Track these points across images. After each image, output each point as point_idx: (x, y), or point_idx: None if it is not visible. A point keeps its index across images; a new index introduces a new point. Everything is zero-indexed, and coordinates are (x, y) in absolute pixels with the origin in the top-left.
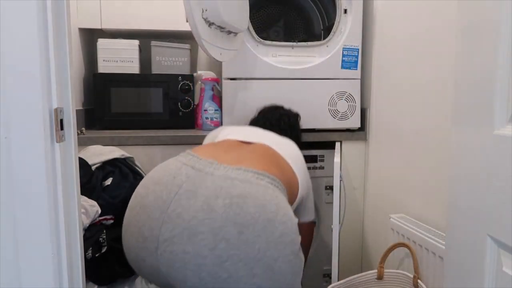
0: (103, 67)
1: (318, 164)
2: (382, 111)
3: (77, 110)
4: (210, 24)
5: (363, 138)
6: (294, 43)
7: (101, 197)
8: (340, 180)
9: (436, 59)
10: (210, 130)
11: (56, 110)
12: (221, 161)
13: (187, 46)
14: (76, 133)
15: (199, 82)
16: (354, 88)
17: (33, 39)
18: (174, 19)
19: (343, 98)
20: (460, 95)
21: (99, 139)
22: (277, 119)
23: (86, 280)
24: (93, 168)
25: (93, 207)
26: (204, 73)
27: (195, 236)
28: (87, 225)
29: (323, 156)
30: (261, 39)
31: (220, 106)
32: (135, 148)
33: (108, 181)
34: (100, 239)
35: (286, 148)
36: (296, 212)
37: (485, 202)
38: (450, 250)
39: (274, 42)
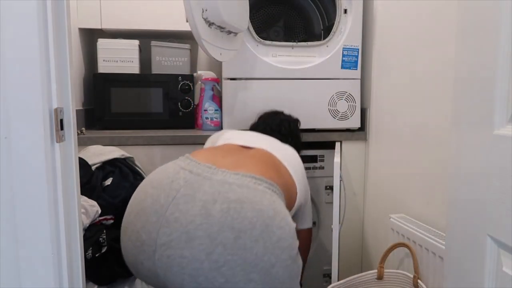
0: (103, 67)
1: (318, 164)
2: (382, 111)
3: (77, 110)
4: (210, 24)
5: (363, 138)
6: (294, 43)
7: (101, 197)
8: (340, 180)
9: (436, 59)
10: (210, 130)
11: (56, 110)
12: (219, 166)
13: (187, 46)
14: (76, 133)
15: (199, 82)
16: (354, 88)
17: (33, 39)
18: (174, 19)
19: (343, 98)
20: (460, 95)
21: (99, 139)
22: (278, 124)
23: (86, 280)
24: (93, 168)
25: (93, 207)
26: (204, 73)
27: (192, 241)
28: (87, 225)
29: (323, 156)
30: (261, 39)
31: (220, 106)
32: (135, 148)
33: (108, 181)
34: (100, 239)
35: (286, 155)
36: (294, 219)
37: (485, 202)
38: (450, 250)
39: (274, 42)
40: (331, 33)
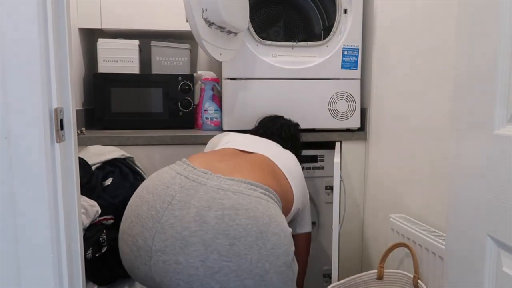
0: (103, 67)
1: (318, 164)
2: (382, 111)
3: (77, 110)
4: (210, 24)
5: (363, 138)
6: (294, 43)
7: (101, 197)
8: (340, 180)
9: (436, 59)
10: (210, 130)
11: (56, 110)
12: (215, 171)
13: (187, 46)
14: (76, 133)
15: (199, 82)
16: (354, 88)
17: (33, 39)
18: (174, 19)
19: (343, 98)
20: (460, 95)
21: (99, 139)
22: (278, 128)
23: (86, 280)
24: (93, 168)
25: (93, 207)
26: (204, 73)
27: (187, 247)
28: (87, 225)
29: (323, 156)
30: (261, 39)
31: (220, 106)
32: (135, 148)
33: (108, 181)
34: (100, 239)
35: (284, 160)
36: (293, 223)
37: (485, 202)
38: (450, 250)
39: (274, 42)
40: (331, 33)
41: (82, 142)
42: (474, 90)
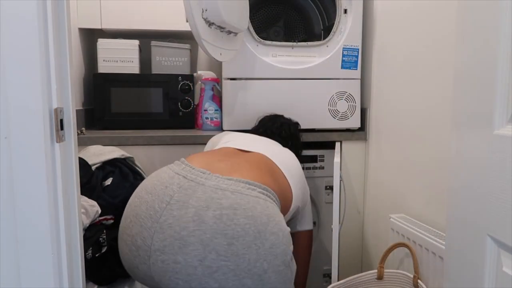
0: (103, 67)
1: (318, 164)
2: (382, 111)
3: (77, 110)
4: (210, 24)
5: (363, 138)
6: (294, 43)
7: (101, 197)
8: (340, 180)
9: (436, 58)
10: (210, 130)
11: (56, 110)
12: (214, 171)
13: (187, 46)
14: (76, 133)
15: (199, 82)
16: (354, 88)
17: (33, 39)
18: (174, 19)
19: (343, 98)
20: (460, 95)
21: (99, 139)
22: (278, 127)
23: (86, 280)
24: (93, 168)
25: (93, 207)
26: (204, 73)
27: (185, 247)
28: (87, 225)
29: (323, 156)
30: (261, 39)
31: (220, 106)
32: (135, 148)
33: (108, 181)
34: (100, 239)
35: (283, 158)
36: (293, 221)
37: (485, 203)
38: (450, 250)
39: (274, 42)
40: (331, 33)
41: (82, 142)
42: (474, 90)
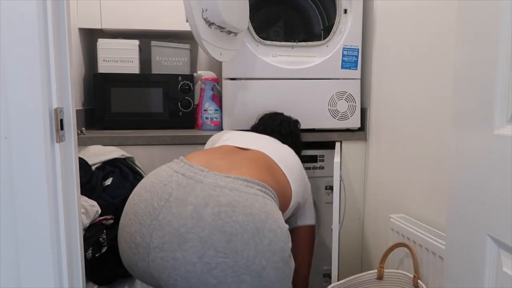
0: (103, 67)
1: (318, 164)
2: (382, 111)
3: (77, 110)
4: (210, 24)
5: (363, 138)
6: (294, 43)
7: (101, 197)
8: (340, 180)
9: (436, 58)
10: (210, 130)
11: (56, 110)
12: (212, 168)
13: (187, 46)
14: (76, 133)
15: (199, 82)
16: (354, 88)
17: (33, 39)
18: (174, 19)
19: (343, 98)
20: (460, 94)
21: (99, 139)
22: (278, 125)
23: (86, 280)
24: (93, 168)
25: (93, 207)
26: (204, 73)
27: (184, 244)
28: (87, 225)
29: (323, 156)
30: (261, 39)
31: (220, 106)
32: (135, 148)
33: (108, 181)
34: (100, 239)
35: (282, 155)
36: (294, 217)
37: (485, 202)
38: (450, 250)
39: (274, 42)
40: (331, 33)
41: (82, 142)
42: (474, 90)
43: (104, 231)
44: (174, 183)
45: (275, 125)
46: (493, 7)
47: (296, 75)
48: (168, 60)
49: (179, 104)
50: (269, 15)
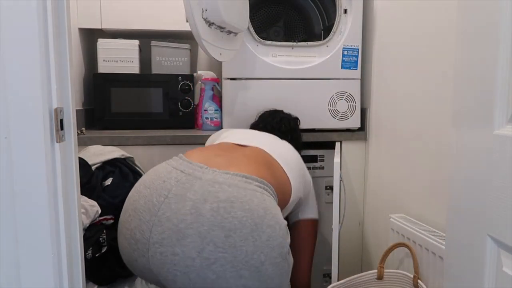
0: (103, 67)
1: (318, 164)
2: (382, 111)
3: (77, 110)
4: (210, 24)
5: (363, 138)
6: (294, 43)
7: (101, 197)
8: (340, 180)
9: (436, 58)
10: (210, 130)
11: (56, 110)
12: (211, 165)
13: (187, 46)
14: (76, 133)
15: (199, 82)
16: (354, 88)
17: (33, 39)
18: (174, 19)
19: (343, 98)
20: (460, 95)
21: (99, 139)
22: (278, 122)
23: (86, 280)
24: (93, 168)
25: (93, 207)
26: (204, 73)
27: (183, 239)
28: (87, 225)
29: (323, 156)
30: (261, 39)
31: (220, 106)
32: (135, 148)
33: (108, 181)
34: (100, 239)
35: (281, 152)
36: (295, 211)
37: (485, 202)
38: (450, 250)
39: (274, 42)
40: (331, 33)
41: (82, 142)
42: (474, 90)
43: (104, 231)
44: (173, 179)
45: (275, 122)
46: (493, 7)
47: (296, 75)
48: (168, 60)
49: (179, 104)
50: (269, 15)
